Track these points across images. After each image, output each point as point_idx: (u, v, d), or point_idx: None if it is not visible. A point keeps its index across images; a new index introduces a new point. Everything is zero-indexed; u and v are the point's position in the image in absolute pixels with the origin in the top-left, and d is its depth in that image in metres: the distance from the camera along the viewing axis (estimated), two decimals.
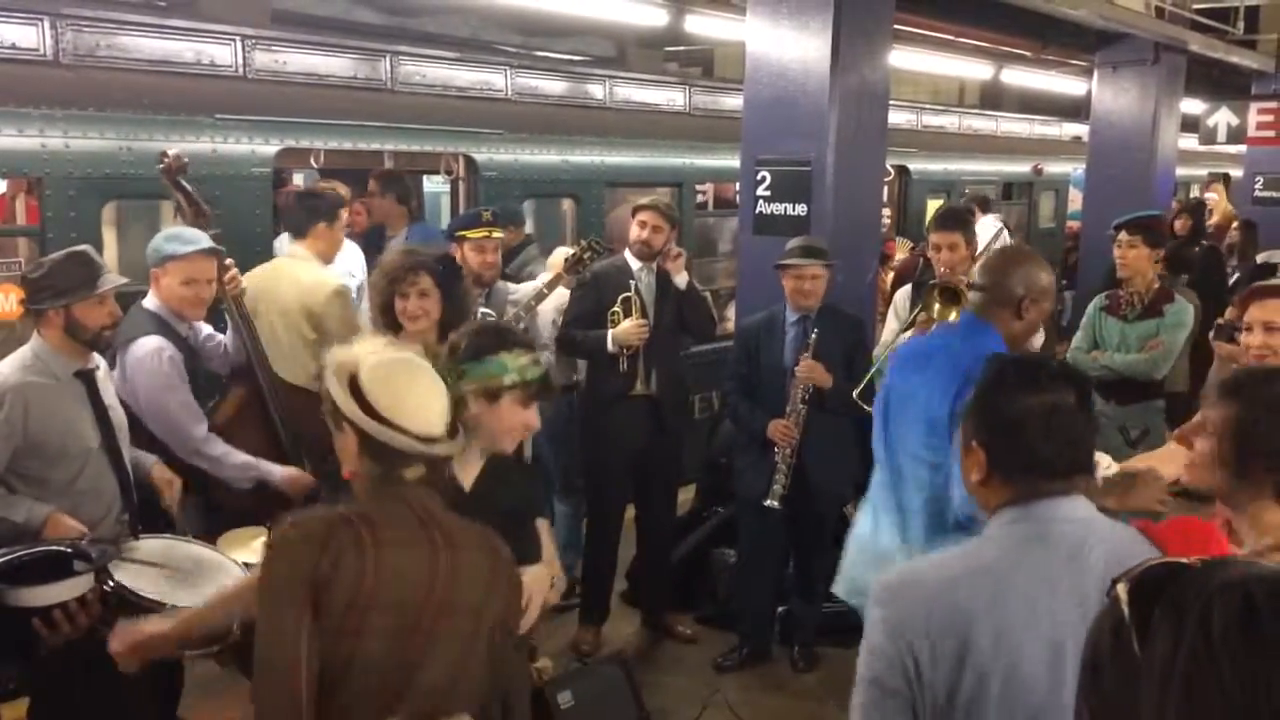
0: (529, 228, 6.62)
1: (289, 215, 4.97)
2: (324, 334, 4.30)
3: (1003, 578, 1.79)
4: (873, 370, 4.82)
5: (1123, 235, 5.31)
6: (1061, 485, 1.86)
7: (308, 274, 4.59)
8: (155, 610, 2.92)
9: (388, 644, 2.07)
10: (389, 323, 3.69)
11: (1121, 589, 0.98)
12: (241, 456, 3.85)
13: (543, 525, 2.87)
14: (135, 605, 2.93)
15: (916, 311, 4.90)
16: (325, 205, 4.83)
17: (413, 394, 2.21)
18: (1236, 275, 8.32)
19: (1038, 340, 4.20)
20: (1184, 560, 0.98)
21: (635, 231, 5.10)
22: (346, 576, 2.03)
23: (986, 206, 8.58)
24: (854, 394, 4.67)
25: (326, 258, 4.76)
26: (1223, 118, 10.77)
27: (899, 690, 1.76)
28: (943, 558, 1.93)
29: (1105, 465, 2.89)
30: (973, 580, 1.80)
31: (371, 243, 6.05)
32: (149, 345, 3.74)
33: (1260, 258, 6.36)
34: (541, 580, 2.60)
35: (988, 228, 7.93)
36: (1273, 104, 10.41)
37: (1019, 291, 3.07)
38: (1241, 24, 11.26)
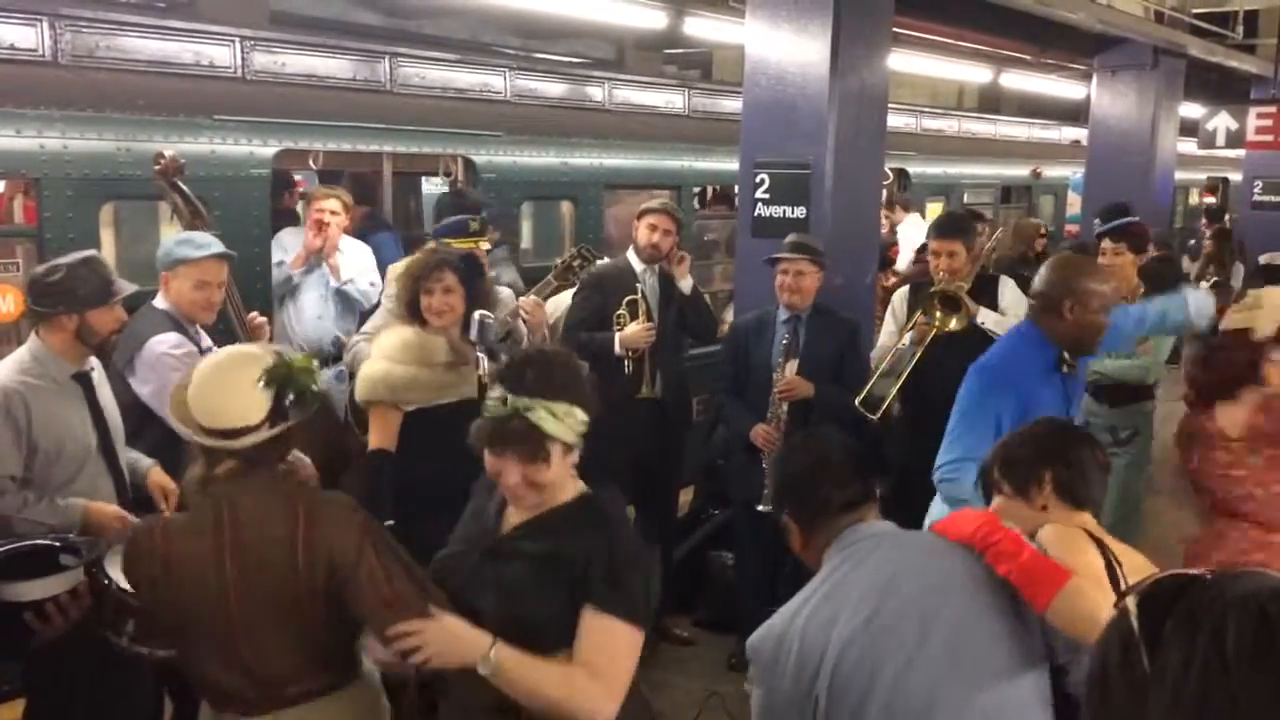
0: (527, 230, 6.62)
1: (445, 213, 5.33)
2: None
3: (831, 593, 2.27)
4: (874, 379, 4.82)
5: (1106, 242, 5.36)
6: (851, 517, 2.40)
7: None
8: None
9: (208, 639, 2.31)
10: (414, 317, 3.83)
11: (1131, 602, 0.96)
12: None
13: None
14: (126, 604, 2.93)
15: (916, 317, 4.91)
16: (472, 205, 5.38)
17: (214, 390, 2.33)
18: (1215, 280, 8.33)
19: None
20: (1195, 572, 0.96)
21: (644, 235, 5.10)
22: (144, 584, 2.35)
23: (908, 206, 8.61)
24: (856, 401, 4.67)
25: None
26: (1221, 122, 10.77)
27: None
28: (789, 604, 2.37)
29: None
30: (809, 605, 2.29)
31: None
32: (169, 340, 3.78)
33: (1263, 259, 6.37)
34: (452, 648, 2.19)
35: (914, 225, 7.96)
36: (1271, 108, 10.40)
37: (1058, 295, 3.39)
38: (1241, 28, 11.27)
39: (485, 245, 4.77)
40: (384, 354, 3.77)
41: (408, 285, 3.88)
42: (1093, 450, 2.55)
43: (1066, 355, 3.48)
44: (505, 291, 5.10)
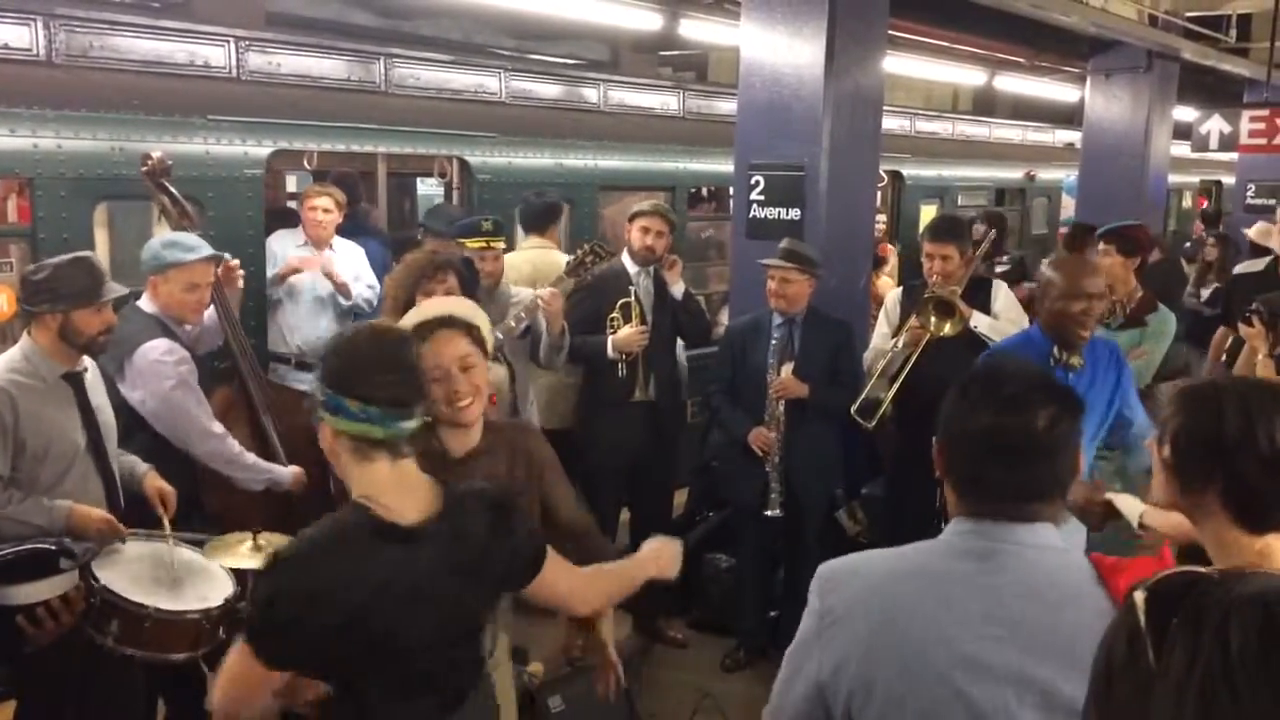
0: (521, 230, 6.59)
1: (530, 212, 5.74)
2: None
3: (933, 580, 1.76)
4: (869, 386, 4.82)
5: (1100, 245, 5.36)
6: (1011, 509, 1.76)
7: (548, 259, 5.44)
8: (138, 613, 2.92)
9: None
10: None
11: (1139, 596, 0.95)
12: (252, 457, 3.87)
13: None
14: (117, 607, 2.93)
15: (909, 322, 4.91)
16: (557, 208, 5.78)
17: None
18: (1215, 287, 8.32)
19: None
20: (1203, 570, 0.95)
21: (637, 237, 5.10)
22: None
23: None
24: (851, 410, 4.67)
25: (558, 247, 5.73)
26: (1215, 125, 10.81)
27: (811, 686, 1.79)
28: (893, 553, 1.86)
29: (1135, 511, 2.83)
30: (906, 578, 1.79)
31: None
32: (160, 347, 3.74)
33: (1238, 269, 6.36)
34: None
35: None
36: (1264, 112, 10.44)
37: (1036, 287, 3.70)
38: (1234, 32, 11.31)
39: (500, 245, 4.77)
40: None
41: (406, 285, 3.78)
42: None
43: (1057, 352, 3.64)
44: (525, 292, 5.09)
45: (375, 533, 2.01)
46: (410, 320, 2.66)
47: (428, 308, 2.76)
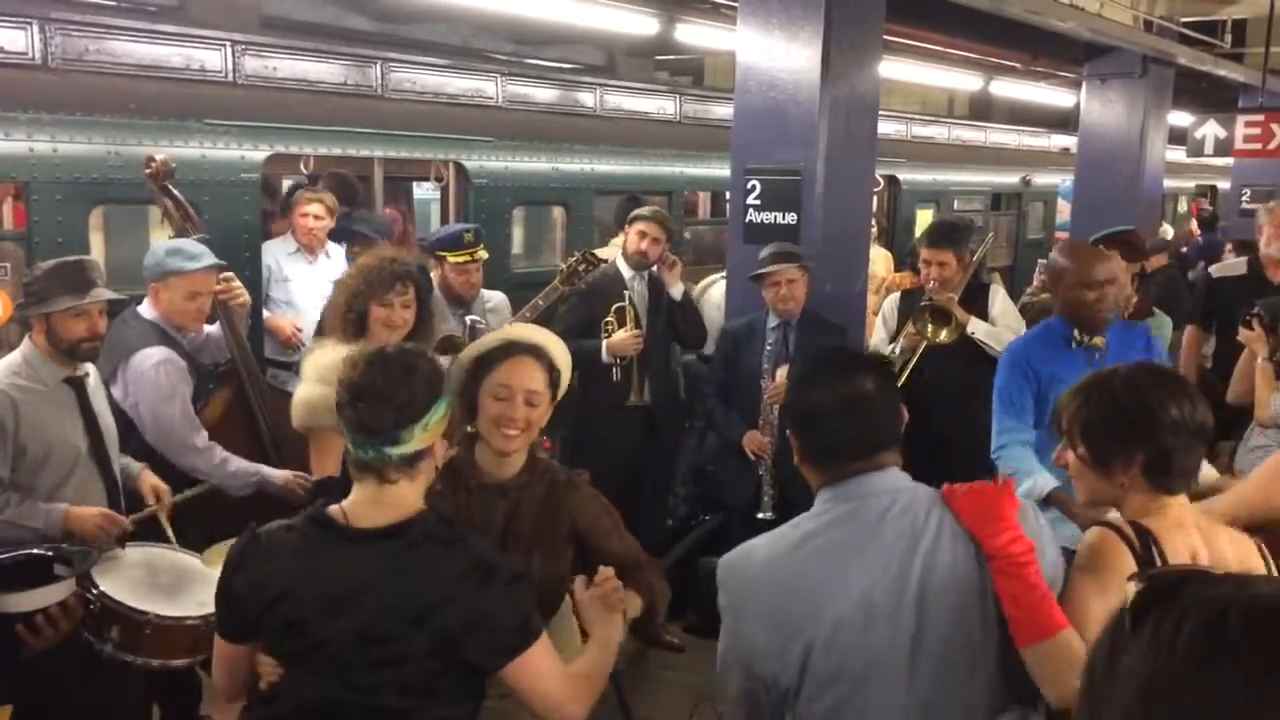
0: (518, 235, 6.61)
1: (619, 212, 6.10)
2: None
3: (815, 549, 1.99)
4: None
5: (1099, 249, 5.35)
6: (865, 464, 2.02)
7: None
8: (138, 619, 2.92)
9: None
10: (356, 326, 3.44)
11: (1131, 588, 0.94)
12: (240, 463, 3.82)
13: None
14: (117, 614, 2.92)
15: (906, 329, 4.92)
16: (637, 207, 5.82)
17: None
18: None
19: None
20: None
21: (634, 242, 5.10)
22: None
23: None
24: None
25: None
26: (1210, 130, 10.83)
27: (750, 681, 2.01)
28: (771, 535, 2.09)
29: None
30: (790, 555, 2.01)
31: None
32: (155, 356, 3.72)
33: (1214, 270, 6.34)
34: None
35: None
36: (1259, 116, 10.46)
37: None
38: (1229, 37, 11.33)
39: (482, 255, 4.74)
40: (320, 377, 3.12)
41: (359, 295, 3.47)
42: (1193, 408, 2.09)
43: (1078, 333, 3.72)
44: (498, 296, 5.08)
45: (322, 527, 2.15)
46: (498, 338, 2.63)
47: (519, 331, 2.71)
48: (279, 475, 3.86)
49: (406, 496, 2.17)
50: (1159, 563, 1.98)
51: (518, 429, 2.53)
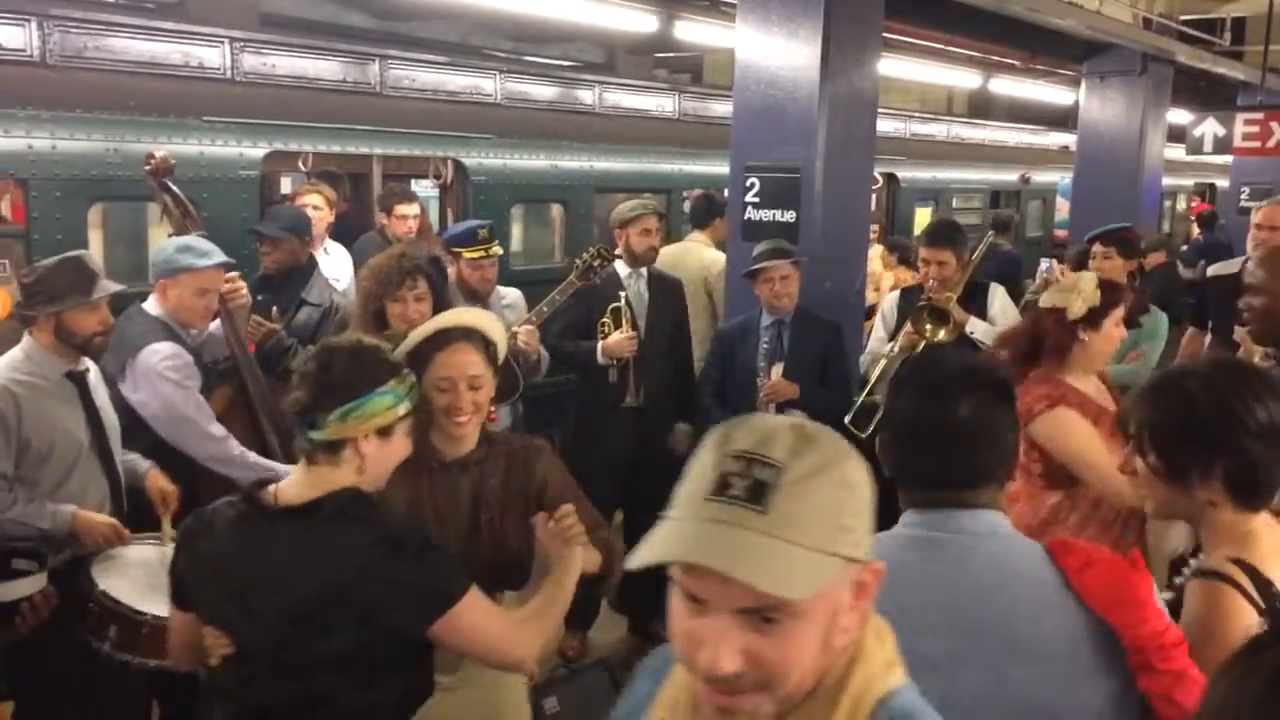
0: (517, 232, 6.60)
1: (695, 210, 6.41)
2: (715, 300, 5.87)
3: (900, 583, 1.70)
4: (863, 394, 4.81)
5: (1097, 247, 5.35)
6: (947, 497, 1.75)
7: (708, 254, 6.06)
8: (135, 619, 2.92)
9: None
10: (378, 323, 3.58)
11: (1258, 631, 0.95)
12: (254, 457, 3.83)
13: None
14: (115, 613, 2.92)
15: (905, 328, 4.92)
16: (719, 206, 6.14)
17: None
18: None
19: None
20: None
21: (641, 240, 5.09)
22: None
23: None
24: (845, 420, 4.63)
25: (720, 245, 6.01)
26: (1209, 128, 10.82)
27: None
28: None
29: None
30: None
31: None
32: (164, 350, 3.71)
33: (1211, 270, 6.34)
34: None
35: None
36: (1259, 114, 10.45)
37: None
38: (1228, 35, 11.33)
39: (497, 251, 4.74)
40: None
41: (374, 292, 3.62)
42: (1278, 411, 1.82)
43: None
44: (514, 293, 5.05)
45: (250, 504, 2.22)
46: (430, 328, 2.63)
47: (449, 317, 2.72)
48: (286, 471, 3.85)
49: (331, 477, 2.20)
50: None
51: (467, 414, 2.57)
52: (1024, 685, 1.63)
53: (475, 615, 2.18)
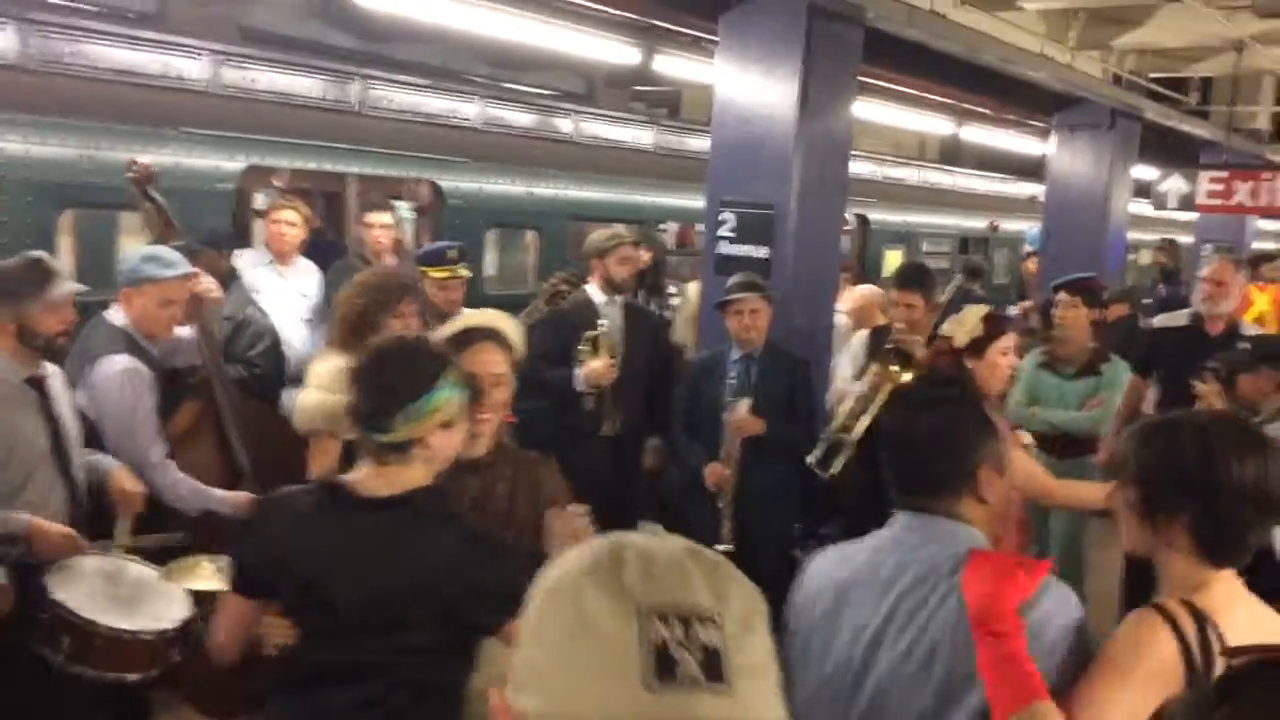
0: (491, 258, 6.60)
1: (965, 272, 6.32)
2: None
3: (859, 565, 1.99)
4: (826, 432, 4.80)
5: (1063, 295, 5.41)
6: (917, 501, 1.97)
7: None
8: (86, 629, 2.87)
9: None
10: (361, 341, 3.43)
11: (1220, 665, 0.99)
12: (189, 485, 3.72)
13: None
14: (69, 624, 2.88)
15: (871, 368, 4.95)
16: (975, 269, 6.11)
17: None
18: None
19: None
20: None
21: (621, 268, 5.10)
22: None
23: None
24: (809, 459, 4.61)
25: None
26: (1174, 185, 11.02)
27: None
28: (846, 545, 2.10)
29: None
30: (844, 565, 2.02)
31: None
32: (120, 364, 3.64)
33: (1156, 321, 6.43)
34: None
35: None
36: (1223, 173, 10.66)
37: None
38: (1197, 94, 11.55)
39: (464, 273, 4.75)
40: (320, 383, 3.47)
41: (361, 307, 3.61)
42: (1265, 475, 1.83)
43: None
44: (474, 314, 5.05)
45: (331, 492, 2.25)
46: (457, 326, 2.73)
47: (473, 318, 2.83)
48: (229, 502, 3.74)
49: (405, 474, 2.25)
50: (1216, 647, 1.73)
51: (489, 412, 2.64)
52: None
53: None
